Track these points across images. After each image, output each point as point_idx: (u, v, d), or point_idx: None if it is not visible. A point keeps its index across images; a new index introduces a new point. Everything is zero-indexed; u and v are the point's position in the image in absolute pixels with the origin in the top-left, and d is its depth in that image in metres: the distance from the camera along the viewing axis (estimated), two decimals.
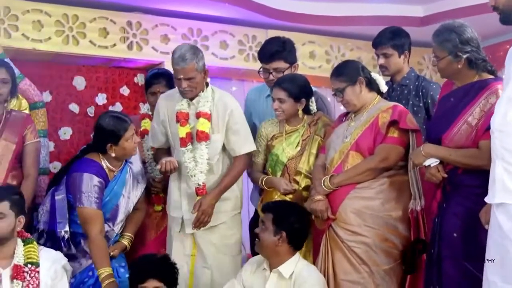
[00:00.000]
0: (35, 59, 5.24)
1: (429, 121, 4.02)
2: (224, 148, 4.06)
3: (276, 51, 4.28)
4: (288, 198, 4.00)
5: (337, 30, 6.14)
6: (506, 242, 2.81)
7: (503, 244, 2.82)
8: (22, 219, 3.50)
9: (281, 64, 4.27)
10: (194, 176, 3.94)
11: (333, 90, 3.87)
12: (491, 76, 3.40)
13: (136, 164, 4.13)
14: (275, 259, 3.60)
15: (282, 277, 3.57)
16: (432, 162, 3.39)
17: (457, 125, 3.36)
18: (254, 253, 4.06)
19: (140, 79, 5.65)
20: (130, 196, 4.06)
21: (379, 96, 3.88)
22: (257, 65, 4.47)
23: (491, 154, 2.91)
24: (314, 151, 4.06)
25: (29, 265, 3.45)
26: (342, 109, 4.51)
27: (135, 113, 5.06)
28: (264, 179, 4.11)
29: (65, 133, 5.40)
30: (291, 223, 3.59)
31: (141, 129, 4.47)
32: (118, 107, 5.54)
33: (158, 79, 4.51)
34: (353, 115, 3.88)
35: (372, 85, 3.85)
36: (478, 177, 3.21)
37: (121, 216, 4.05)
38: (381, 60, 4.32)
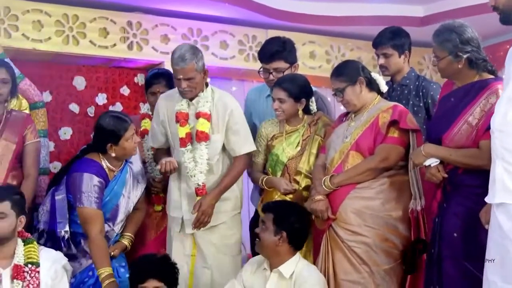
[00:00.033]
0: (35, 59, 5.24)
1: (429, 121, 4.02)
2: (224, 148, 4.05)
3: (276, 51, 4.28)
4: (288, 198, 4.00)
5: (337, 30, 6.13)
6: (506, 242, 2.81)
7: (503, 244, 2.82)
8: (23, 219, 3.51)
9: (281, 64, 4.27)
10: (194, 176, 3.94)
11: (333, 90, 3.87)
12: (492, 76, 3.40)
13: (136, 164, 4.13)
14: (275, 259, 3.60)
15: (283, 277, 3.57)
16: (433, 162, 3.39)
17: (458, 125, 3.36)
18: (254, 253, 4.06)
19: (140, 79, 5.64)
20: (130, 196, 4.06)
21: (379, 96, 3.88)
22: (257, 65, 4.47)
23: (491, 154, 2.91)
24: (314, 151, 4.05)
25: (29, 265, 3.45)
26: (342, 109, 4.51)
27: (135, 113, 5.06)
28: (264, 179, 4.11)
29: (65, 133, 5.40)
30: (292, 223, 3.59)
31: (141, 129, 4.47)
32: (118, 107, 5.53)
33: (158, 79, 4.51)
34: (353, 115, 3.88)
35: (372, 85, 3.85)
36: (479, 177, 3.21)
37: (121, 216, 4.05)
38: (381, 60, 4.32)
